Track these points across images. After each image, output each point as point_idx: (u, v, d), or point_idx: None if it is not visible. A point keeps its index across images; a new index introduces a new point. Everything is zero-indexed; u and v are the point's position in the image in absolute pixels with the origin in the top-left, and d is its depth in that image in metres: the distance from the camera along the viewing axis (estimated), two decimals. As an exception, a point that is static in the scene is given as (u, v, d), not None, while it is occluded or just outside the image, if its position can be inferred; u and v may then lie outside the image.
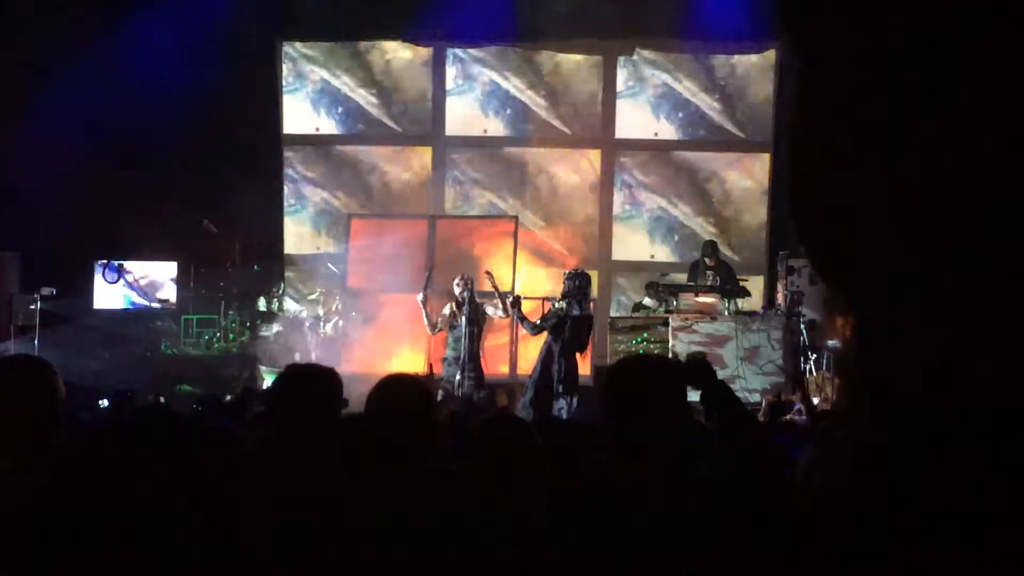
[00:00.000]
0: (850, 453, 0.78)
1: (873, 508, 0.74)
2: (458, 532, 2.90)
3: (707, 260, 12.83)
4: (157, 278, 14.58)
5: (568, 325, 10.65)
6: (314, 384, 3.47)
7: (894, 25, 0.73)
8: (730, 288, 12.50)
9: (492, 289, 11.40)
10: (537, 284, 14.54)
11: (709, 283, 12.56)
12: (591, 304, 11.28)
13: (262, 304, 14.17)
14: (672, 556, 2.44)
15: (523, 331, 11.89)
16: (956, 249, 0.70)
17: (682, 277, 13.53)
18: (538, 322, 10.86)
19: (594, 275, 13.78)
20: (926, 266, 0.71)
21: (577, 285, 10.78)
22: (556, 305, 10.87)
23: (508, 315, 11.35)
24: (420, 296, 11.49)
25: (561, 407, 10.42)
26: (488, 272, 11.66)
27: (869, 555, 0.74)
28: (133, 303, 14.50)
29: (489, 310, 11.26)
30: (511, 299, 11.06)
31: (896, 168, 0.73)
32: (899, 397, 0.73)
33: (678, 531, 2.46)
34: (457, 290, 11.10)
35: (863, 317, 0.76)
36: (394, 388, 3.26)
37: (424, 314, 11.40)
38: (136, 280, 14.44)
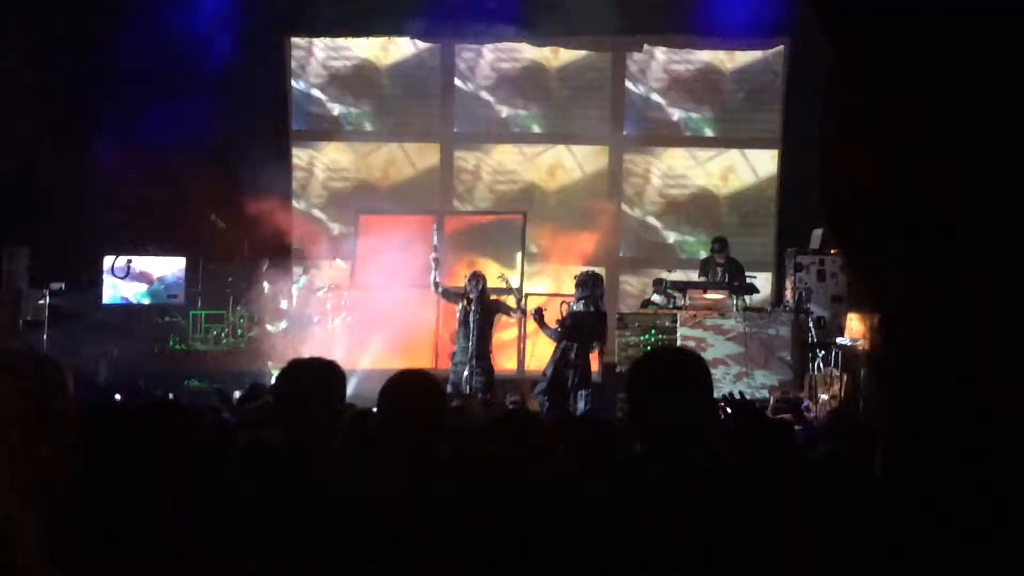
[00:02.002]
0: (883, 446, 0.78)
1: (911, 499, 0.73)
2: (469, 530, 2.91)
3: (716, 257, 12.86)
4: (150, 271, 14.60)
5: (584, 325, 10.80)
6: (315, 378, 3.47)
7: (932, 23, 0.73)
8: (738, 285, 12.51)
9: (507, 289, 11.56)
10: (546, 279, 14.56)
11: (718, 279, 12.58)
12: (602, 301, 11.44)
13: (270, 300, 14.18)
14: (701, 551, 2.45)
15: (530, 328, 12.02)
16: (994, 246, 0.70)
17: (689, 274, 13.52)
18: (557, 328, 10.98)
19: (600, 271, 13.79)
20: (963, 261, 0.71)
21: (589, 286, 11.00)
22: (572, 307, 11.03)
23: (524, 315, 11.57)
24: (432, 255, 11.63)
25: (577, 403, 10.62)
26: (502, 276, 11.83)
27: (913, 540, 0.73)
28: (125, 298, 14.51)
29: (510, 312, 11.42)
30: (535, 310, 11.21)
31: (934, 163, 0.73)
32: (928, 390, 0.72)
33: (706, 526, 2.47)
34: (468, 286, 11.14)
35: (892, 311, 0.76)
36: (406, 384, 3.27)
37: (434, 272, 11.51)
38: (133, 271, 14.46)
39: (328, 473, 3.17)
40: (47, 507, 2.69)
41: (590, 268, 11.85)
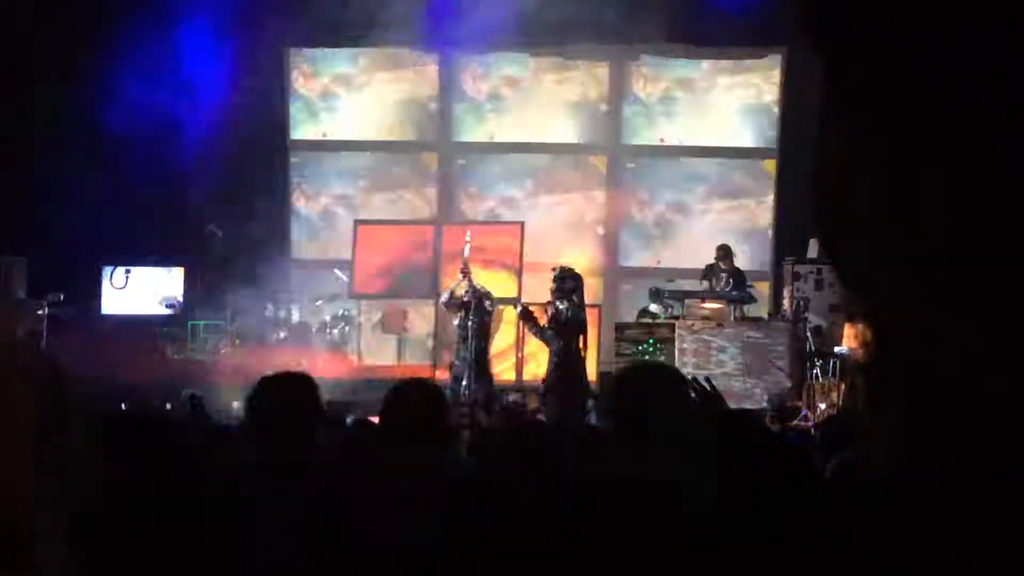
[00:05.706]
0: (881, 457, 0.77)
1: (904, 510, 0.73)
2: (464, 535, 2.91)
3: (721, 264, 12.82)
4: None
5: (572, 324, 10.73)
6: (287, 395, 3.45)
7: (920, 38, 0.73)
8: (736, 294, 12.49)
9: (507, 299, 11.57)
10: (543, 290, 14.54)
11: (722, 287, 12.55)
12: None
13: (269, 310, 14.17)
14: (683, 556, 2.45)
15: (531, 335, 11.87)
16: (979, 254, 0.70)
17: (688, 283, 13.51)
18: (551, 332, 10.76)
19: (600, 281, 13.79)
20: (947, 269, 0.71)
21: (571, 286, 10.81)
22: (560, 307, 10.79)
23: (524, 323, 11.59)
24: (462, 268, 11.45)
25: (588, 410, 10.58)
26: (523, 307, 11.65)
27: (906, 552, 0.73)
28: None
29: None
30: (521, 309, 11.10)
31: (921, 172, 0.73)
32: (919, 398, 0.72)
33: (686, 532, 2.47)
34: (466, 296, 11.12)
35: (883, 320, 0.76)
36: (407, 392, 3.27)
37: (453, 286, 11.37)
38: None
39: (299, 488, 3.16)
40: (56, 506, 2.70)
41: (568, 268, 11.53)
